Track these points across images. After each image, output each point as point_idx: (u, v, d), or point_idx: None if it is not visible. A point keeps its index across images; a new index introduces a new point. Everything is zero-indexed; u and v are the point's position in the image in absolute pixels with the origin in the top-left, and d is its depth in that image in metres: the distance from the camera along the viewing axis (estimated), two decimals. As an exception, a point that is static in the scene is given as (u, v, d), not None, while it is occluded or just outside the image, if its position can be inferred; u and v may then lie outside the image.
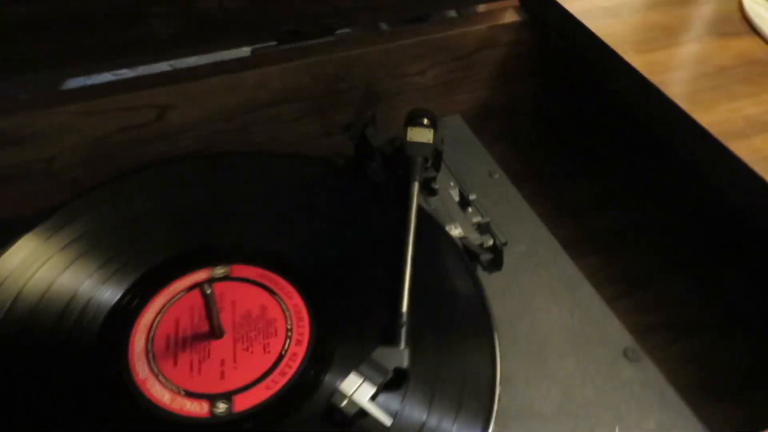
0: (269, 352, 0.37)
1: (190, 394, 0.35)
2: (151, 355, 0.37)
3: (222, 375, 0.36)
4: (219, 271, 0.41)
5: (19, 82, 0.47)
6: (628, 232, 0.55)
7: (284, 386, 0.36)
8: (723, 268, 0.52)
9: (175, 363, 0.37)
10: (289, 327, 0.39)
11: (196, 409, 0.35)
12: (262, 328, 0.39)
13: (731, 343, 0.46)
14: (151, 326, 0.38)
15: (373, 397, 0.34)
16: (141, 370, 0.36)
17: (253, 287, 0.41)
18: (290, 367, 0.37)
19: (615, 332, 0.43)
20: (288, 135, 0.53)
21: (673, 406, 0.39)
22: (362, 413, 0.34)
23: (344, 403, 0.34)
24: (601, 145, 0.63)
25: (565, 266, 0.47)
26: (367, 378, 0.35)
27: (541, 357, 0.41)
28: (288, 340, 0.38)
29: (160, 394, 0.35)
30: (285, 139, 0.53)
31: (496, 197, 0.51)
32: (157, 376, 0.36)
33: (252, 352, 0.37)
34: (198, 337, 0.38)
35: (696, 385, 0.41)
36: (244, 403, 0.35)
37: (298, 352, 0.37)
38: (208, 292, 0.35)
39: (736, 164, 0.38)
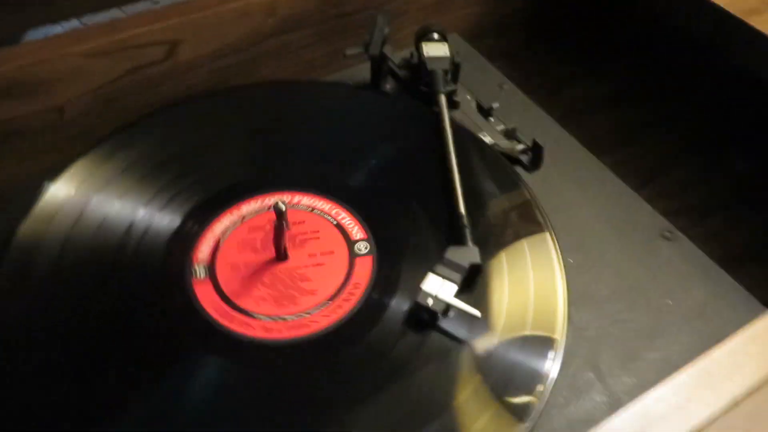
0: (333, 274, 0.38)
1: (251, 315, 0.35)
2: (214, 279, 0.37)
3: (287, 296, 0.36)
4: (278, 197, 0.41)
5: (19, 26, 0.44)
6: (639, 126, 0.57)
7: (355, 306, 0.36)
8: (731, 146, 0.56)
9: (240, 286, 0.36)
10: (350, 248, 0.39)
11: (261, 330, 0.35)
12: (325, 251, 0.39)
13: (747, 215, 0.50)
14: (213, 250, 0.38)
15: (457, 293, 0.35)
16: (204, 293, 0.36)
17: (311, 214, 0.41)
18: (357, 288, 0.37)
19: (648, 217, 0.45)
20: (297, 68, 0.52)
21: (715, 276, 0.41)
22: (448, 309, 0.35)
23: (431, 301, 0.35)
24: (604, 46, 0.64)
25: (589, 163, 0.49)
26: (446, 276, 0.36)
27: (585, 247, 0.43)
28: (351, 262, 0.38)
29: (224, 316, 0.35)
30: (293, 69, 0.52)
31: (510, 107, 0.52)
32: (221, 298, 0.36)
33: (316, 275, 0.37)
34: (262, 261, 0.38)
35: (729, 256, 0.44)
36: (309, 326, 0.35)
37: (361, 273, 0.38)
38: (283, 209, 0.35)
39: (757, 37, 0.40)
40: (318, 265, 0.38)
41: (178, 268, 0.37)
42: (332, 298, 0.36)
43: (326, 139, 0.45)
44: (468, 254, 0.37)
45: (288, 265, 0.38)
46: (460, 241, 0.38)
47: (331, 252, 0.39)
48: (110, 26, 0.44)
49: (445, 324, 0.35)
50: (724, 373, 0.28)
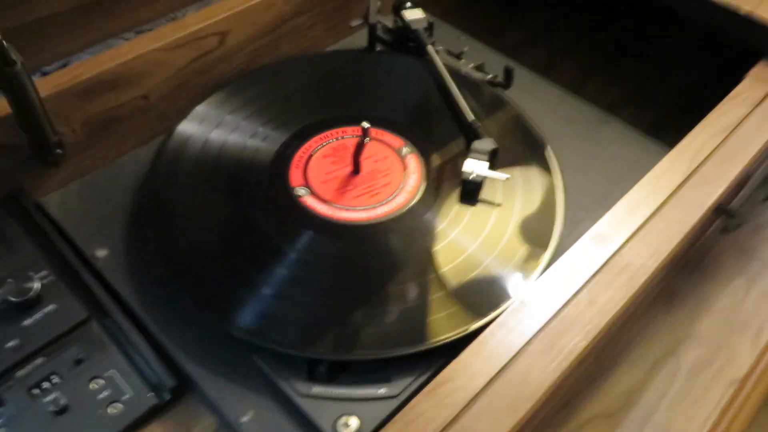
0: (395, 171, 0.54)
1: (336, 207, 0.51)
2: (306, 182, 0.52)
3: (360, 195, 0.52)
4: (342, 131, 0.57)
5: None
6: (570, 54, 0.77)
7: (420, 187, 0.53)
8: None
9: (326, 188, 0.52)
10: (406, 166, 0.55)
11: (343, 215, 0.51)
12: (380, 158, 0.55)
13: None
14: (305, 164, 0.54)
15: (488, 168, 0.52)
16: (301, 191, 0.52)
17: (378, 143, 0.56)
18: (416, 173, 0.54)
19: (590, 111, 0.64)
20: (306, 43, 0.67)
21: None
22: (482, 180, 0.52)
23: (473, 175, 0.52)
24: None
25: (544, 86, 0.67)
26: (478, 158, 0.53)
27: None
28: (403, 162, 0.55)
29: (316, 207, 0.51)
30: (304, 44, 0.67)
31: (475, 56, 0.69)
32: (313, 195, 0.52)
33: (385, 175, 0.54)
34: (341, 173, 0.53)
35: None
36: (395, 208, 0.52)
37: (414, 166, 0.54)
38: (367, 126, 0.50)
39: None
40: (383, 169, 0.54)
41: (280, 179, 0.53)
42: (400, 187, 0.53)
43: (366, 88, 0.62)
44: (487, 143, 0.54)
45: (363, 172, 0.54)
46: (478, 137, 0.55)
47: (386, 157, 0.55)
48: (179, 25, 0.57)
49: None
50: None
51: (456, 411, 0.37)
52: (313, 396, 0.41)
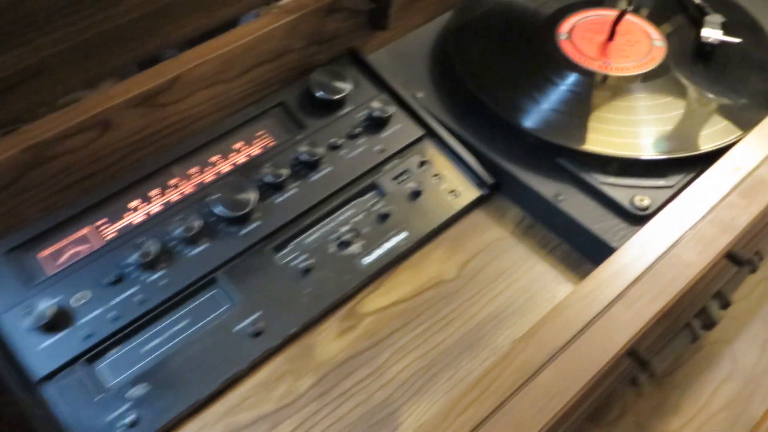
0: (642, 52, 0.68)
1: (591, 60, 0.65)
2: (570, 40, 0.67)
3: (620, 54, 0.66)
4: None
5: None
6: None
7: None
8: None
9: (583, 45, 0.66)
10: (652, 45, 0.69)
11: (595, 66, 0.65)
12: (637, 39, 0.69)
13: None
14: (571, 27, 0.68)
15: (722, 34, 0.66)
16: (567, 47, 0.66)
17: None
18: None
19: None
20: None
21: None
22: (718, 43, 0.65)
23: (710, 39, 0.65)
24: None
25: None
26: (713, 28, 0.66)
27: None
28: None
29: (574, 55, 0.65)
30: None
31: None
32: (572, 43, 0.66)
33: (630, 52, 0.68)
34: (598, 38, 0.68)
35: None
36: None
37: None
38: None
39: None
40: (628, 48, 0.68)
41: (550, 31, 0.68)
42: (647, 53, 0.67)
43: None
44: (716, 17, 0.67)
45: (615, 41, 0.68)
46: (706, 14, 0.68)
47: (636, 38, 0.69)
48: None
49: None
50: None
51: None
52: (610, 183, 0.57)
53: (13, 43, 0.43)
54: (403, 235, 0.57)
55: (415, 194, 0.59)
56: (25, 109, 0.50)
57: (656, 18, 0.70)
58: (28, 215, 0.54)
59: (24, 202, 0.54)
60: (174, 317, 0.52)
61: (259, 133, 0.62)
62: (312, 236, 0.57)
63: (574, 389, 0.37)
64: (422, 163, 0.61)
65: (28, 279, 0.52)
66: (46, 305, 0.50)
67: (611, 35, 0.67)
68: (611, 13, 0.69)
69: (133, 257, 0.53)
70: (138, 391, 0.49)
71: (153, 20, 0.49)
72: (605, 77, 0.64)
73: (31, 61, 0.44)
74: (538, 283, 0.56)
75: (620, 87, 0.64)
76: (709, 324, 0.48)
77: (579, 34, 0.68)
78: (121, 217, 0.56)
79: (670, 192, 0.56)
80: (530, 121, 0.60)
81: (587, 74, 0.64)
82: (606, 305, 0.40)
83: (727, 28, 0.67)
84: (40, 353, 0.49)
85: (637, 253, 0.43)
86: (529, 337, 0.39)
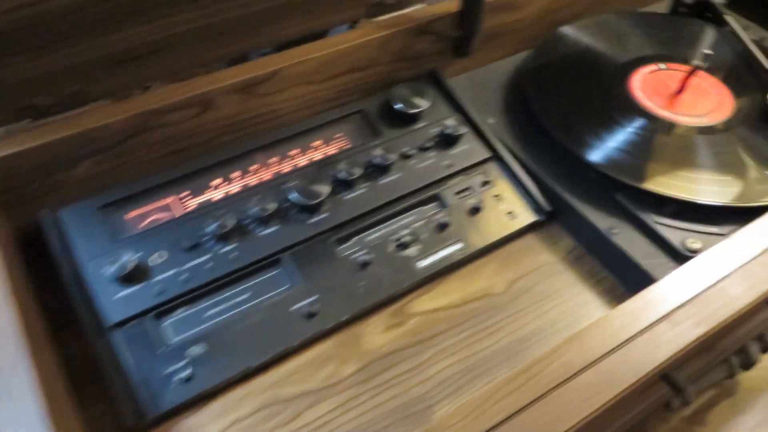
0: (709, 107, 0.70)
1: (660, 108, 0.68)
2: (641, 88, 0.70)
3: (681, 106, 0.69)
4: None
5: None
6: None
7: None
8: None
9: (653, 93, 0.69)
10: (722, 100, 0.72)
11: (662, 113, 0.67)
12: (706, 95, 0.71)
13: None
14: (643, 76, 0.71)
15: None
16: (638, 93, 0.69)
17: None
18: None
19: None
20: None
21: None
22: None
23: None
24: None
25: None
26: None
27: None
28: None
29: (643, 102, 0.68)
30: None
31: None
32: (643, 91, 0.69)
33: (698, 106, 0.70)
34: (669, 89, 0.71)
35: None
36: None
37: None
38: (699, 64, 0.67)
39: None
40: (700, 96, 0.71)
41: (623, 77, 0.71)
42: (715, 109, 0.69)
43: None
44: None
45: (684, 94, 0.71)
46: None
47: (705, 90, 0.71)
48: None
49: None
50: None
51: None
52: (664, 224, 0.59)
53: (143, 19, 0.49)
54: (458, 246, 0.61)
55: (475, 210, 0.63)
56: (137, 82, 0.56)
57: (727, 78, 0.73)
58: (123, 177, 0.60)
59: (122, 165, 0.59)
60: (238, 288, 0.56)
61: (338, 135, 0.67)
62: (374, 234, 0.61)
63: (607, 396, 0.39)
64: (485, 183, 0.65)
65: (114, 234, 0.57)
66: (127, 258, 0.54)
67: (681, 88, 0.70)
68: (684, 68, 0.71)
69: (211, 228, 0.57)
70: (196, 350, 0.52)
71: (264, 17, 0.55)
72: (671, 125, 0.67)
73: (156, 37, 0.50)
74: (582, 309, 0.58)
75: (684, 136, 0.66)
76: (748, 364, 0.49)
77: (651, 83, 0.71)
78: (202, 192, 0.61)
79: (721, 240, 0.58)
80: (594, 155, 0.63)
81: (654, 120, 0.67)
82: (652, 322, 0.42)
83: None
84: (116, 302, 0.53)
85: (686, 281, 0.45)
86: (575, 340, 0.41)
